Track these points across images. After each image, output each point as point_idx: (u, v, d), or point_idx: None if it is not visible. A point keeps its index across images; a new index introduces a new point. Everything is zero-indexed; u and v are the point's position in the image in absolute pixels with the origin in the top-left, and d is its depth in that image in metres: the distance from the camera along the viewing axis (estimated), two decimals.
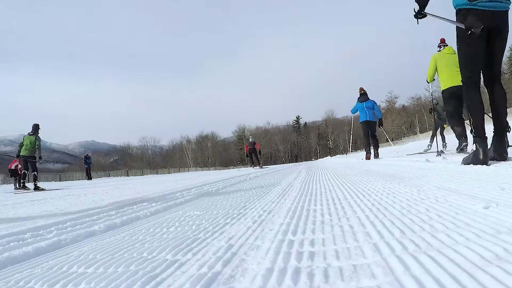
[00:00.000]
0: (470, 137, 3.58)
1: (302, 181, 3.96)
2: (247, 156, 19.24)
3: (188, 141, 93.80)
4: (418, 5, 3.30)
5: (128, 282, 0.87)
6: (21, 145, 9.53)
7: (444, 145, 9.36)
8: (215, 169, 55.25)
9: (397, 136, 72.81)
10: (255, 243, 1.16)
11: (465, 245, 0.85)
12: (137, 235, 1.54)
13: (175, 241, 1.30)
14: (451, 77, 5.37)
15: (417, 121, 74.11)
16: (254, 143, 19.05)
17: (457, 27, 2.96)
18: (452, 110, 5.46)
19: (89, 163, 22.74)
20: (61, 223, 1.97)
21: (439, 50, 5.82)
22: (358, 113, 9.18)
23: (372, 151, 8.93)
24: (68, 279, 0.97)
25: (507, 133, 2.98)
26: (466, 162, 3.05)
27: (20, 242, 1.56)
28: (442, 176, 2.50)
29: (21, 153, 9.42)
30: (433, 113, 7.96)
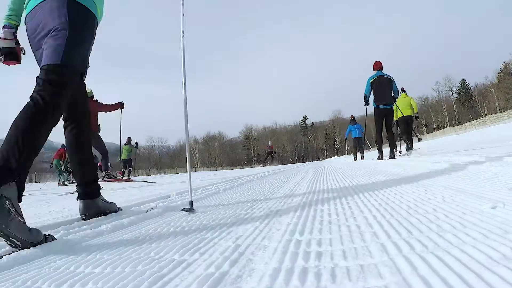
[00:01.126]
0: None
1: (310, 181, 3.96)
2: (266, 153, 28.87)
3: (195, 141, 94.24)
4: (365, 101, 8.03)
5: (135, 282, 0.87)
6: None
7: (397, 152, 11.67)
8: (222, 169, 55.34)
9: None
10: (262, 243, 1.16)
11: (472, 245, 0.85)
12: (144, 235, 1.55)
13: (182, 241, 1.31)
14: (403, 110, 9.61)
15: (424, 121, 73.33)
16: (271, 146, 29.34)
17: (374, 111, 7.92)
18: (403, 130, 10.02)
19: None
20: (68, 223, 1.99)
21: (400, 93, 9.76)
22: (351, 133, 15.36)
23: (358, 155, 14.52)
24: (75, 279, 0.98)
25: (395, 149, 7.92)
26: (377, 159, 7.95)
27: None
28: (449, 176, 2.48)
29: (122, 158, 14.41)
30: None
